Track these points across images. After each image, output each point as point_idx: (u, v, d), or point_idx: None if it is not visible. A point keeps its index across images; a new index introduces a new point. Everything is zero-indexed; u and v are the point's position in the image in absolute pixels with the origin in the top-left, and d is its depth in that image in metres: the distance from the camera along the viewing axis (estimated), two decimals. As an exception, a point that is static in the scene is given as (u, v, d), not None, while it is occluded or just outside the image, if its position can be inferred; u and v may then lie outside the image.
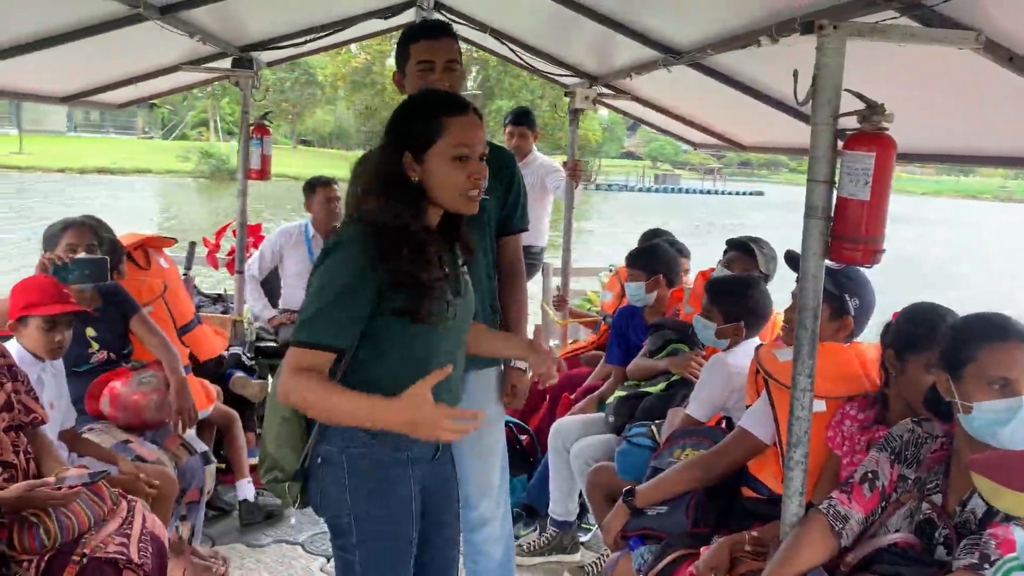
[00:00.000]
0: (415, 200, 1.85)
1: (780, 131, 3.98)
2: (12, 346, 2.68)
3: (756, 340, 2.92)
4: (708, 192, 55.27)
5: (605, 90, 4.83)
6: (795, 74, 1.91)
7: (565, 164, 5.03)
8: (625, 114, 5.94)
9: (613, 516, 2.56)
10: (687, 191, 55.12)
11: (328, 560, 3.46)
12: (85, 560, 2.26)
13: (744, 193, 52.47)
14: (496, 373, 2.65)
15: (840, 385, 2.30)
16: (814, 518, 1.93)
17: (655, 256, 3.76)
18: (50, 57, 3.47)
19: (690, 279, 3.98)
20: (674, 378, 3.29)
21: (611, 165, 62.79)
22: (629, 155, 66.78)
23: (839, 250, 1.88)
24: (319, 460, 1.90)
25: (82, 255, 3.10)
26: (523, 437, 4.02)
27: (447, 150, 1.83)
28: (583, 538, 3.68)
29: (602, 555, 3.43)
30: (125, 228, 5.16)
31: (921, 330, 2.08)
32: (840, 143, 1.90)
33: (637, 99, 4.79)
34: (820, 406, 2.22)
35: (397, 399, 1.71)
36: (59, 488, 2.29)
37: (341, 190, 4.79)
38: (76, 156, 36.37)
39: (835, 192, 1.89)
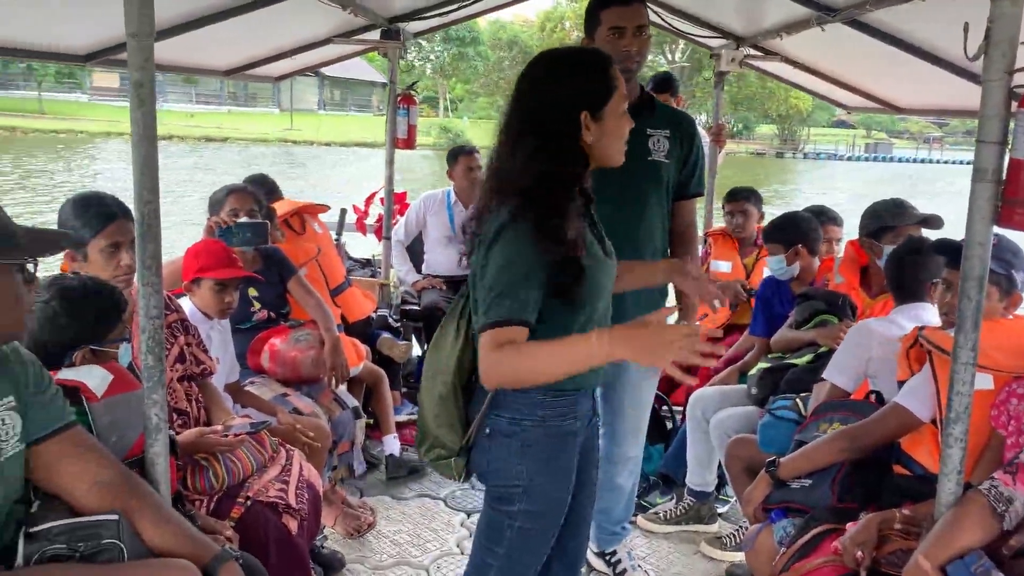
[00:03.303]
0: (582, 163, 1.83)
1: (943, 91, 3.75)
2: (185, 304, 2.90)
3: (912, 308, 2.76)
4: (922, 161, 52.24)
5: (752, 51, 4.67)
6: (965, 27, 1.78)
7: (709, 129, 4.91)
8: (772, 76, 5.72)
9: (755, 487, 2.52)
10: (899, 160, 52.44)
11: (468, 515, 3.58)
12: (249, 503, 2.42)
13: (961, 162, 48.06)
14: None
15: (1018, 360, 2.16)
16: (974, 499, 1.83)
17: (791, 227, 3.62)
18: (214, 32, 3.68)
19: (842, 248, 3.82)
20: (821, 350, 3.17)
21: (820, 134, 60.55)
22: (841, 124, 63.23)
23: (1010, 215, 1.76)
24: (487, 432, 1.89)
25: (244, 219, 3.30)
26: (662, 408, 4.00)
27: (619, 103, 1.82)
28: (721, 509, 3.63)
29: (741, 527, 3.39)
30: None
31: None
32: (1015, 103, 1.76)
33: (787, 60, 4.61)
34: (987, 383, 2.11)
35: (631, 326, 1.68)
36: (226, 435, 2.47)
37: (483, 159, 4.88)
38: (334, 131, 41.63)
39: (1007, 154, 1.76)
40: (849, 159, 51.88)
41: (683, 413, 3.71)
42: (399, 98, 4.93)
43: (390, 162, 5.03)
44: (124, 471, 1.74)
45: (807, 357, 3.20)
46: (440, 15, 4.73)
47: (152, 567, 1.60)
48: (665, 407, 4.07)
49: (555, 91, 1.79)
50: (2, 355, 1.63)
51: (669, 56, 40.44)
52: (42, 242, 1.62)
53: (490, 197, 1.85)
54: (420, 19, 4.72)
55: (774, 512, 2.46)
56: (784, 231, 3.61)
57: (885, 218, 3.28)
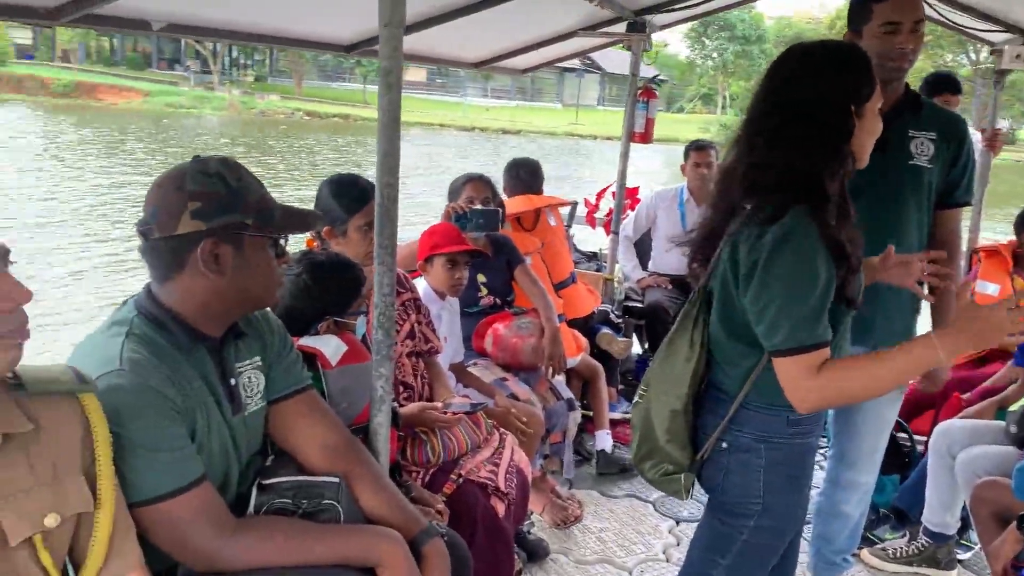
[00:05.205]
0: (853, 159, 1.74)
1: None
2: (419, 285, 3.04)
3: None
4: None
5: (1044, 47, 4.13)
6: None
7: (982, 132, 4.42)
8: (1066, 76, 5.04)
9: (1003, 542, 2.24)
10: None
11: (677, 523, 3.48)
12: (460, 480, 2.49)
13: None
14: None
15: None
16: None
17: None
18: (465, 25, 3.81)
19: None
20: (1103, 392, 2.76)
21: None
22: None
23: None
24: (724, 445, 1.84)
25: (478, 206, 3.42)
26: (900, 435, 3.66)
27: (877, 101, 1.74)
28: (961, 555, 3.27)
29: (984, 579, 3.03)
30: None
31: None
32: None
33: (1087, 57, 4.04)
34: None
35: (954, 322, 1.60)
36: (445, 412, 2.56)
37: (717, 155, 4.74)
38: (616, 126, 43.14)
39: None
40: None
41: (925, 444, 3.38)
42: (640, 91, 4.87)
43: (624, 155, 4.98)
44: (349, 437, 1.84)
45: (1084, 398, 2.79)
46: (687, 7, 4.60)
47: (365, 533, 1.68)
48: (904, 434, 3.73)
49: (824, 84, 1.71)
50: (254, 320, 1.78)
51: (973, 56, 36.75)
52: (295, 220, 1.74)
53: (741, 195, 1.76)
54: (667, 11, 4.62)
55: (1027, 571, 2.17)
56: None
57: None
